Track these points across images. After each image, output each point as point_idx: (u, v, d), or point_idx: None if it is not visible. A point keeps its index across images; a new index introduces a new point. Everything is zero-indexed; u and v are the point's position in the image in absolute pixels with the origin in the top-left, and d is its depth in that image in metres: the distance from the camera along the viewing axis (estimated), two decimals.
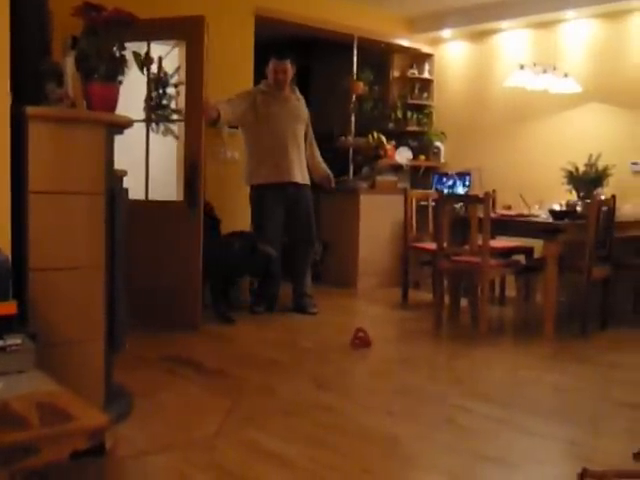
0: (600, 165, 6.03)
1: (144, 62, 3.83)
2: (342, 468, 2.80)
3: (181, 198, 5.10)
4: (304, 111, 5.79)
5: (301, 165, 5.65)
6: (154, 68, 4.80)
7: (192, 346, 4.66)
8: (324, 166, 5.91)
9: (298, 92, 5.81)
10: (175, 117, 5.01)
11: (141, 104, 4.96)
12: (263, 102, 5.53)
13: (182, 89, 4.96)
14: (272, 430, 3.18)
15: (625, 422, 3.50)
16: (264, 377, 4.03)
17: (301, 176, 5.64)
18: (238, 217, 5.84)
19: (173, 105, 5.01)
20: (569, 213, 5.35)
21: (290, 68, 5.59)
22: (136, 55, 3.57)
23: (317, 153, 5.89)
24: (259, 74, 5.91)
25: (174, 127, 4.98)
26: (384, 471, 2.81)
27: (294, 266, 5.75)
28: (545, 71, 6.31)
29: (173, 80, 4.94)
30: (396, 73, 7.83)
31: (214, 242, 5.34)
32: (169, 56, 5.00)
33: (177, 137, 5.12)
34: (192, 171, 4.99)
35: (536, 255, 5.82)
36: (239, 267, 5.36)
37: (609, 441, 3.22)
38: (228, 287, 5.54)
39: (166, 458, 2.85)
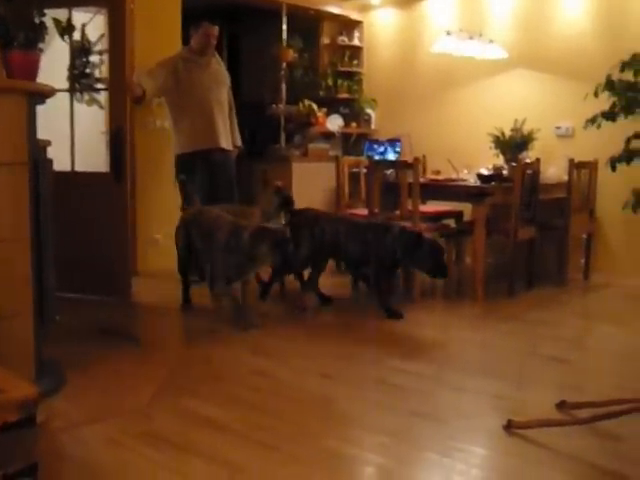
0: (525, 130, 6.19)
1: (65, 29, 3.74)
2: (278, 430, 2.85)
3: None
4: (226, 75, 5.76)
5: (226, 130, 5.62)
6: (77, 36, 4.70)
7: (124, 317, 4.64)
8: (237, 135, 5.86)
9: (218, 56, 5.77)
10: (100, 86, 4.91)
11: (65, 73, 4.84)
12: (185, 69, 5.46)
13: (106, 57, 4.86)
14: (207, 397, 3.20)
15: (549, 375, 3.65)
16: (199, 346, 4.05)
17: (226, 141, 5.62)
18: (167, 187, 5.77)
19: (97, 74, 4.92)
20: (496, 177, 5.49)
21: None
22: (57, 22, 3.48)
23: (235, 120, 5.85)
24: (187, 42, 5.82)
25: (99, 96, 4.88)
26: (320, 431, 2.87)
27: None
28: (471, 37, 6.39)
29: (97, 48, 4.85)
30: (326, 40, 7.81)
31: (372, 227, 4.87)
32: (94, 24, 4.89)
33: (102, 107, 5.02)
34: (117, 141, 4.91)
35: (465, 219, 5.94)
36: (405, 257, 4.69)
37: (534, 394, 3.35)
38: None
39: (100, 428, 2.84)
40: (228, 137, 5.65)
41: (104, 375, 3.51)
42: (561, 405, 3.05)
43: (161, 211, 5.85)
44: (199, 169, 5.47)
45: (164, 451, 2.64)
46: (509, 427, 2.83)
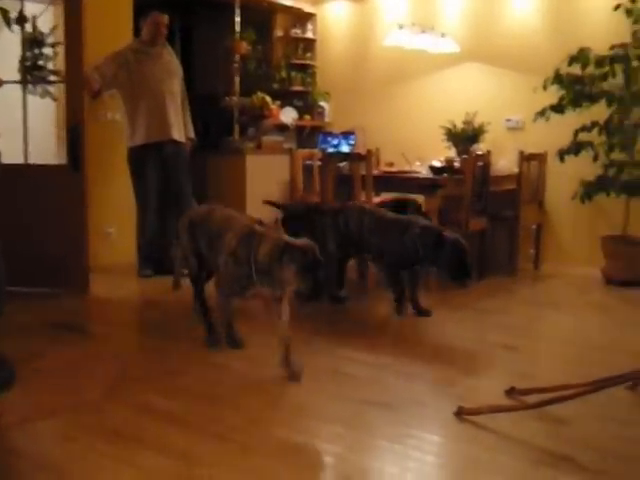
0: (477, 122, 6.29)
1: (16, 20, 3.69)
2: (233, 422, 2.86)
3: (61, 161, 4.98)
4: (178, 67, 5.73)
5: (178, 122, 5.59)
6: (28, 27, 4.63)
7: (78, 311, 4.60)
8: (190, 127, 5.83)
9: (170, 48, 5.74)
10: (53, 78, 4.85)
11: (16, 65, 4.77)
12: (136, 60, 5.42)
13: (60, 49, 4.81)
14: (162, 390, 3.19)
15: (499, 362, 3.73)
16: (153, 340, 4.03)
17: (179, 134, 5.59)
18: (120, 180, 5.71)
19: (50, 66, 4.86)
20: (448, 169, 5.57)
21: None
22: (3, 12, 3.43)
23: (188, 113, 5.81)
24: (138, 34, 5.76)
25: (52, 88, 4.82)
26: (275, 421, 2.89)
27: (167, 225, 5.68)
28: (423, 31, 6.46)
29: (49, 40, 4.79)
30: (279, 33, 7.80)
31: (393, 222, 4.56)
32: (45, 16, 4.83)
33: (55, 99, 4.96)
34: (74, 134, 4.87)
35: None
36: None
37: (484, 381, 3.42)
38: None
39: (53, 423, 2.83)
40: (181, 129, 5.62)
41: (57, 369, 3.48)
42: (510, 391, 3.12)
43: (113, 205, 5.79)
44: (151, 162, 5.44)
45: (119, 445, 2.63)
46: (460, 413, 2.89)
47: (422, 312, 4.50)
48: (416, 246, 4.28)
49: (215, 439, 2.70)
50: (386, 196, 6.02)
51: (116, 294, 5.08)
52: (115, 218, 5.81)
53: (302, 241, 3.28)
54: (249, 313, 4.62)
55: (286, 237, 3.35)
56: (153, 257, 5.61)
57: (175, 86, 5.61)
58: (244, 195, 6.74)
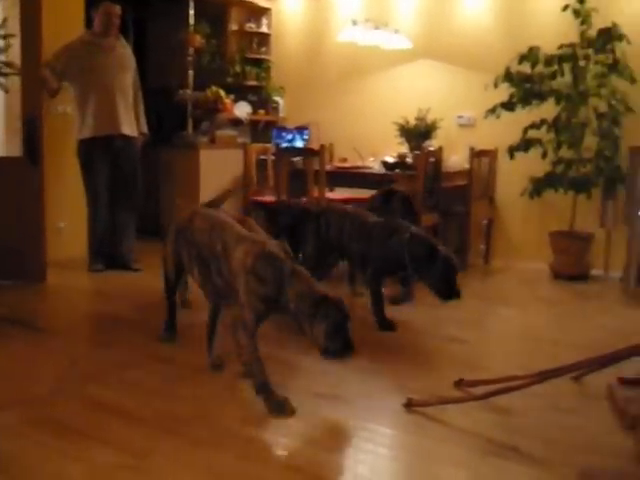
0: (429, 119, 6.36)
1: None
2: (182, 415, 2.87)
3: (11, 153, 4.92)
4: (131, 60, 5.67)
5: (129, 116, 5.53)
6: None
7: (29, 305, 4.54)
8: (143, 122, 5.78)
9: (123, 40, 5.68)
10: (6, 70, 4.78)
11: None
12: (87, 53, 5.36)
13: (11, 41, 4.75)
14: (111, 384, 3.19)
15: (448, 355, 3.79)
16: (104, 333, 4.00)
17: (129, 128, 5.53)
18: (71, 174, 5.64)
19: (3, 58, 4.79)
20: (400, 164, 5.63)
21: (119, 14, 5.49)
22: None
23: (141, 107, 5.75)
24: (90, 25, 5.69)
25: (2, 79, 4.75)
26: (224, 414, 2.90)
27: (118, 220, 5.64)
28: (377, 27, 6.49)
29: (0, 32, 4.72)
30: (234, 27, 7.76)
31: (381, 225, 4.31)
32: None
33: (7, 91, 4.89)
34: (31, 126, 4.85)
35: None
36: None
37: (434, 373, 3.48)
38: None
39: (0, 418, 2.79)
40: (131, 123, 5.56)
41: (5, 362, 3.44)
42: (458, 383, 3.18)
43: (64, 199, 5.71)
44: (101, 156, 5.39)
45: (68, 439, 2.62)
46: (409, 405, 2.94)
47: (386, 326, 4.20)
48: (403, 252, 4.04)
49: (165, 432, 2.70)
50: (342, 192, 6.06)
51: (67, 289, 5.02)
52: (66, 212, 5.73)
53: (335, 296, 2.92)
54: (199, 309, 4.61)
55: (320, 288, 2.93)
56: (104, 252, 5.56)
57: (127, 79, 5.56)
58: (198, 189, 6.71)
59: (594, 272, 5.90)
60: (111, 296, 4.91)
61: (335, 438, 2.73)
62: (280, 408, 2.87)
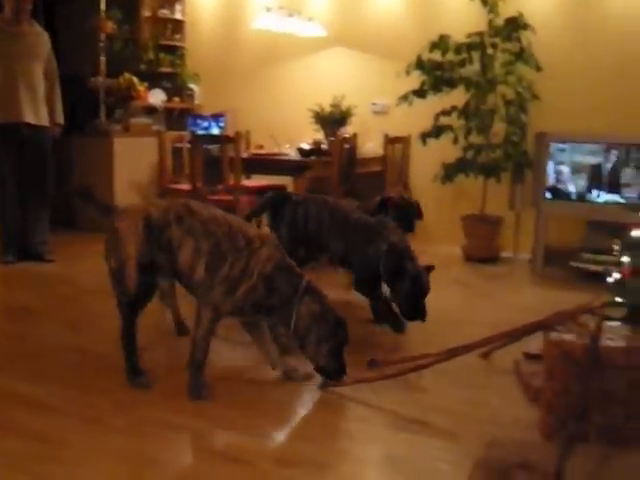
0: (344, 106, 6.43)
1: None
2: (97, 403, 2.85)
3: None
4: (44, 47, 5.48)
5: (35, 105, 5.35)
6: None
7: None
8: (58, 112, 5.61)
9: (38, 26, 5.51)
10: None
11: None
12: None
13: None
14: (23, 374, 3.14)
15: (363, 336, 3.84)
16: (15, 324, 3.92)
17: (35, 117, 5.36)
18: None
19: None
20: (315, 151, 5.68)
21: None
22: None
23: (56, 96, 5.59)
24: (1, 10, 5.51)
25: None
26: (142, 402, 2.89)
27: (29, 211, 5.51)
28: (291, 15, 6.52)
29: None
30: (147, 13, 7.64)
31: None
32: None
33: None
34: None
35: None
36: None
37: (348, 354, 3.53)
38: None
39: None
40: (38, 112, 5.39)
41: None
42: (372, 363, 3.26)
43: None
44: (6, 144, 5.25)
45: None
46: (324, 386, 3.00)
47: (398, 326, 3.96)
48: (379, 261, 3.79)
49: (81, 422, 2.68)
50: (259, 179, 6.08)
51: None
52: None
53: (342, 317, 2.93)
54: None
55: (330, 305, 2.93)
56: (15, 243, 5.42)
57: (35, 68, 5.37)
58: (112, 178, 6.62)
59: (504, 254, 6.12)
60: (23, 287, 4.80)
61: (246, 421, 2.75)
62: (199, 391, 2.89)
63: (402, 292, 3.71)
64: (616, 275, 3.19)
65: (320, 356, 2.91)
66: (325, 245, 4.08)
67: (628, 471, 2.39)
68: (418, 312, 3.74)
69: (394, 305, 3.85)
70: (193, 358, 2.91)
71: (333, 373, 2.95)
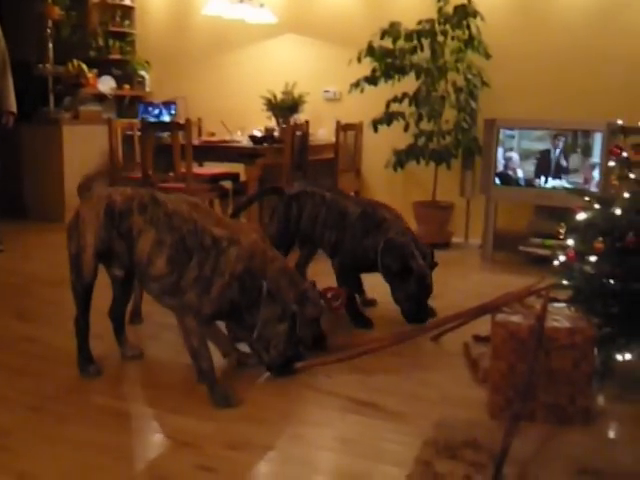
0: (296, 93, 6.42)
1: None
2: (45, 392, 2.83)
3: None
4: None
5: None
6: None
7: None
8: (10, 100, 5.52)
9: None
10: None
11: None
12: None
13: None
14: None
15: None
16: None
17: None
18: None
19: None
20: (267, 138, 5.66)
21: None
22: None
23: (7, 83, 5.48)
24: None
25: None
26: (88, 389, 2.88)
27: None
28: (241, 1, 6.47)
29: None
30: None
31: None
32: None
33: None
34: None
35: (242, 179, 6.07)
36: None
37: None
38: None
39: None
40: None
41: None
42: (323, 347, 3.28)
43: None
44: None
45: None
46: (298, 369, 3.02)
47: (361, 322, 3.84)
48: (375, 256, 3.68)
49: (29, 410, 2.66)
50: (211, 166, 6.04)
51: None
52: None
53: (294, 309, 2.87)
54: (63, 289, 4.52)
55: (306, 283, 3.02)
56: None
57: None
58: (62, 167, 6.53)
59: (455, 240, 6.20)
60: None
61: (204, 406, 2.75)
62: (225, 399, 2.75)
63: (405, 292, 3.62)
64: (562, 258, 3.27)
65: (275, 354, 2.90)
66: (320, 238, 3.97)
67: (573, 449, 2.45)
68: (421, 314, 3.64)
69: (394, 305, 3.74)
70: (200, 370, 2.81)
71: (281, 370, 2.97)
